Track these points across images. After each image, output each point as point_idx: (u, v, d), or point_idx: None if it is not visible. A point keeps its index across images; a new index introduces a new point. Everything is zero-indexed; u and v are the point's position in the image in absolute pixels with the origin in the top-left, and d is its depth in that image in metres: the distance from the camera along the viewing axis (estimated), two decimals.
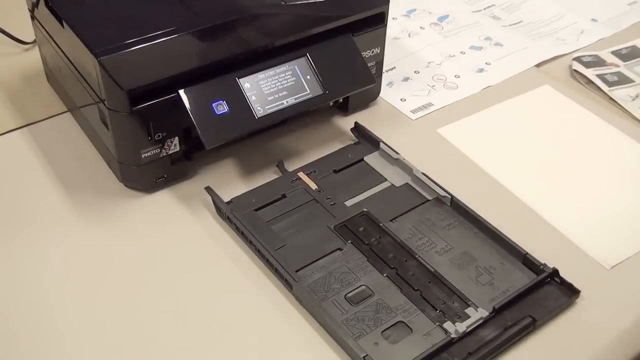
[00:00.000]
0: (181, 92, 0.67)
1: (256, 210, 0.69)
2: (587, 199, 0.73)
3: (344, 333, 0.58)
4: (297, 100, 0.72)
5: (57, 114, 0.83)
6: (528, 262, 0.64)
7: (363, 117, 0.82)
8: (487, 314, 0.59)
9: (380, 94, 0.86)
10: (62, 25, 0.70)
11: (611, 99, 0.87)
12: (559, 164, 0.77)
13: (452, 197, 0.69)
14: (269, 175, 0.75)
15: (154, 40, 0.67)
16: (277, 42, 0.71)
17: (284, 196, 0.71)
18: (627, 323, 0.61)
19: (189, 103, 0.67)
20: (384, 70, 0.84)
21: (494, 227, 0.66)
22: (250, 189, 0.72)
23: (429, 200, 0.71)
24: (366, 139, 0.78)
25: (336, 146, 0.78)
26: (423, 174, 0.72)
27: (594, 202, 0.73)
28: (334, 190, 0.72)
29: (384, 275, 0.63)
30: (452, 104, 0.86)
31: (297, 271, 0.63)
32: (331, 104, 0.81)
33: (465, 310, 0.60)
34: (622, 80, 0.90)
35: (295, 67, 0.72)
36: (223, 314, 0.61)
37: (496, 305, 0.59)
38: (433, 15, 1.03)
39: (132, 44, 0.66)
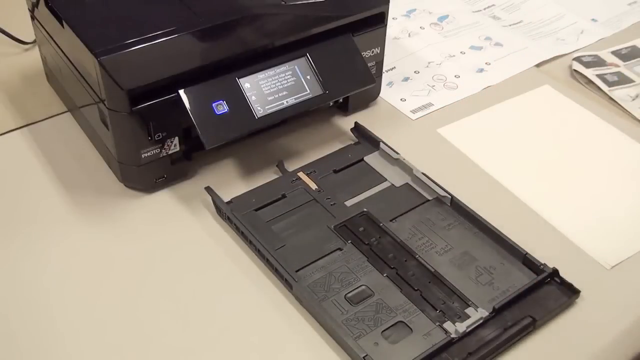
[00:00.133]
0: (181, 92, 0.67)
1: (256, 210, 0.69)
2: (587, 199, 0.73)
3: (344, 333, 0.58)
4: (297, 100, 0.72)
5: (57, 114, 0.83)
6: (528, 262, 0.64)
7: (363, 117, 0.82)
8: (487, 314, 0.59)
9: (380, 94, 0.86)
10: (62, 25, 0.70)
11: (611, 99, 0.87)
12: (559, 164, 0.77)
13: (452, 197, 0.69)
14: (269, 175, 0.75)
15: (154, 40, 0.67)
16: (277, 42, 0.71)
17: (284, 196, 0.71)
18: (627, 323, 0.61)
19: (189, 103, 0.67)
20: (384, 70, 0.84)
21: (494, 227, 0.66)
22: (250, 189, 0.72)
23: (429, 200, 0.71)
24: (366, 139, 0.78)
25: (336, 146, 0.78)
26: (423, 174, 0.72)
27: (594, 202, 0.73)
28: (334, 190, 0.72)
29: (384, 275, 0.63)
30: (452, 104, 0.86)
31: (297, 271, 0.63)
32: (331, 104, 0.81)
33: (465, 310, 0.60)
34: (622, 80, 0.90)
35: (295, 67, 0.72)
36: (223, 314, 0.61)
37: (496, 305, 0.60)
38: (433, 15, 1.03)
39: (132, 44, 0.66)
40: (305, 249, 0.65)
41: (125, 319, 0.61)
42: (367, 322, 0.59)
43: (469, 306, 0.60)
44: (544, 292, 0.62)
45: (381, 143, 0.76)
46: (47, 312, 0.61)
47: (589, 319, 0.61)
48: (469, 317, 0.59)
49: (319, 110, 0.82)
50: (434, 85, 0.89)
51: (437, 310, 0.60)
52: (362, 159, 0.76)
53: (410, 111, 0.85)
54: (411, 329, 0.59)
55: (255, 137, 0.78)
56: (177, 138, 0.70)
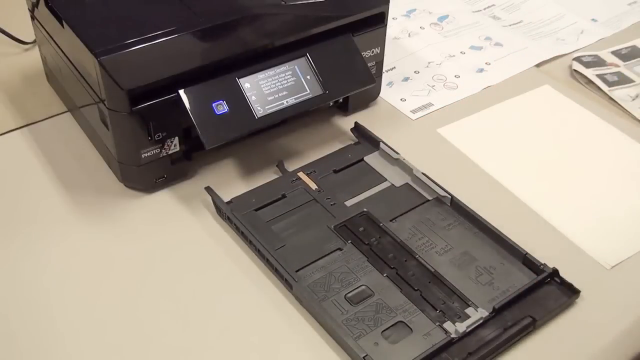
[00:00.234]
0: (181, 92, 0.67)
1: (256, 210, 0.69)
2: (587, 199, 0.73)
3: (344, 333, 0.58)
4: (297, 100, 0.72)
5: (57, 114, 0.83)
6: (528, 262, 0.64)
7: (363, 117, 0.82)
8: (487, 314, 0.59)
9: (380, 94, 0.86)
10: (62, 25, 0.70)
11: (611, 99, 0.87)
12: (559, 164, 0.77)
13: (452, 197, 0.69)
14: (269, 175, 0.75)
15: (154, 40, 0.67)
16: (277, 42, 0.71)
17: (284, 196, 0.71)
18: (627, 323, 0.61)
19: (189, 103, 0.67)
20: (384, 70, 0.84)
21: (494, 227, 0.66)
22: (250, 189, 0.72)
23: (429, 200, 0.71)
24: (366, 139, 0.78)
25: (336, 146, 0.78)
26: (423, 174, 0.72)
27: (594, 202, 0.73)
28: (334, 190, 0.72)
29: (384, 275, 0.63)
30: (452, 104, 0.86)
31: (297, 271, 0.63)
32: (331, 104, 0.81)
33: (465, 310, 0.60)
34: (622, 80, 0.90)
35: (295, 67, 0.72)
36: (223, 314, 0.61)
37: (496, 305, 0.59)
38: (433, 15, 1.03)
39: (132, 44, 0.66)
40: (305, 249, 0.65)
41: (125, 319, 0.61)
42: (367, 322, 0.59)
43: (469, 306, 0.60)
44: (544, 292, 0.62)
45: (381, 143, 0.76)
46: (47, 312, 0.61)
47: (589, 319, 0.61)
48: (469, 317, 0.59)
49: (319, 110, 0.82)
50: (434, 85, 0.89)
51: (437, 310, 0.60)
52: (362, 159, 0.76)
53: (410, 111, 0.85)
54: (411, 329, 0.59)
55: (255, 137, 0.78)
56: (177, 138, 0.70)
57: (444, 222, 0.68)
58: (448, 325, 0.58)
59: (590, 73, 0.90)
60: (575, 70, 0.91)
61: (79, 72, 0.71)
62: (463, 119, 0.84)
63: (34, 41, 0.91)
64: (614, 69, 0.92)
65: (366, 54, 0.79)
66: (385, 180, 0.73)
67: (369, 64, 0.78)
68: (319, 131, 0.81)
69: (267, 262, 0.64)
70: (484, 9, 1.06)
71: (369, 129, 0.78)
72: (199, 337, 0.59)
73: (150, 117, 0.67)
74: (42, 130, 0.80)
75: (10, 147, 0.78)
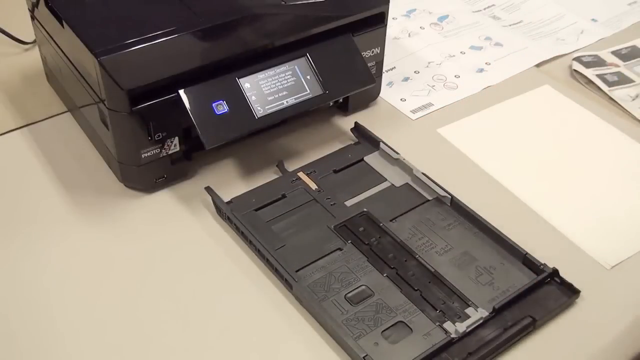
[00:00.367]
0: (181, 92, 0.67)
1: (256, 210, 0.69)
2: (587, 199, 0.73)
3: (344, 333, 0.58)
4: (297, 100, 0.72)
5: (57, 114, 0.83)
6: (528, 262, 0.64)
7: (363, 117, 0.82)
8: (487, 314, 0.59)
9: (380, 94, 0.86)
10: (62, 25, 0.70)
11: (611, 99, 0.87)
12: (559, 164, 0.77)
13: (452, 197, 0.69)
14: (269, 175, 0.75)
15: (154, 40, 0.67)
16: (277, 42, 0.71)
17: (284, 196, 0.71)
18: (627, 323, 0.61)
19: (189, 103, 0.67)
20: (384, 70, 0.84)
21: (494, 227, 0.66)
22: (250, 189, 0.72)
23: (429, 200, 0.71)
24: (366, 139, 0.78)
25: (336, 146, 0.78)
26: (423, 174, 0.72)
27: (594, 202, 0.73)
28: (334, 190, 0.72)
29: (384, 275, 0.63)
30: (452, 104, 0.86)
31: (297, 271, 0.63)
32: (331, 104, 0.81)
33: (465, 310, 0.60)
34: (622, 80, 0.90)
35: (295, 67, 0.72)
36: (223, 314, 0.61)
37: (496, 305, 0.59)
38: (433, 15, 1.03)
39: (132, 44, 0.66)
40: (305, 249, 0.65)
41: (125, 319, 0.61)
42: (367, 322, 0.59)
43: (469, 306, 0.60)
44: (544, 292, 0.62)
45: (381, 143, 0.76)
46: (47, 312, 0.61)
47: (589, 319, 0.61)
48: (469, 317, 0.59)
49: (319, 110, 0.82)
50: (434, 85, 0.89)
51: (437, 310, 0.60)
52: (362, 159, 0.76)
53: (410, 111, 0.85)
54: (411, 329, 0.59)
55: (255, 137, 0.78)
56: (177, 138, 0.70)
57: (444, 222, 0.68)
58: (448, 325, 0.58)
59: (590, 73, 0.90)
60: (575, 70, 0.91)
61: (79, 72, 0.71)
62: (463, 119, 0.84)
63: (34, 41, 0.91)
64: (614, 69, 0.92)
65: (366, 54, 0.79)
66: (385, 180, 0.73)
67: (369, 64, 0.78)
68: (319, 131, 0.81)
69: (267, 262, 0.64)
70: (484, 9, 1.06)
71: (369, 129, 0.78)
72: (199, 337, 0.59)
73: (150, 117, 0.67)
74: (42, 130, 0.80)
75: (10, 147, 0.78)
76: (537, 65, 0.93)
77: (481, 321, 0.59)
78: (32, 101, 0.85)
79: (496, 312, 0.59)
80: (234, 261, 0.66)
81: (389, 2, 0.78)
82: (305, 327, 0.60)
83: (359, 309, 0.60)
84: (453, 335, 0.58)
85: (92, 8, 0.72)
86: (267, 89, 0.71)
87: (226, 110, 0.68)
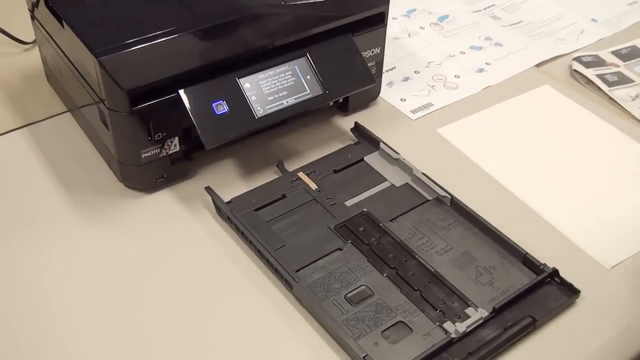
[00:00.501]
0: (181, 92, 0.67)
1: (256, 210, 0.69)
2: (587, 199, 0.73)
3: (344, 333, 0.58)
4: (297, 100, 0.72)
5: (57, 114, 0.83)
6: (528, 262, 0.64)
7: (363, 117, 0.82)
8: (487, 314, 0.59)
9: (380, 94, 0.86)
10: (62, 25, 0.70)
11: (611, 99, 0.87)
12: (559, 164, 0.77)
13: (452, 197, 0.69)
14: (269, 175, 0.75)
15: (154, 40, 0.67)
16: (277, 42, 0.71)
17: (284, 196, 0.71)
18: (627, 323, 0.61)
19: (189, 103, 0.67)
20: (384, 70, 0.84)
21: (494, 227, 0.66)
22: (250, 189, 0.72)
23: (429, 200, 0.71)
24: (366, 139, 0.78)
25: (336, 146, 0.78)
26: (423, 174, 0.72)
27: (594, 202, 0.73)
28: (334, 190, 0.72)
29: (384, 275, 0.63)
30: (452, 104, 0.86)
31: (297, 271, 0.63)
32: (331, 104, 0.81)
33: (465, 310, 0.60)
34: (622, 80, 0.90)
35: (295, 67, 0.72)
36: (223, 314, 0.61)
37: (496, 305, 0.59)
38: (433, 15, 1.03)
39: (132, 44, 0.66)
40: (305, 249, 0.65)
41: (125, 319, 0.61)
42: (367, 322, 0.59)
43: (469, 306, 0.60)
44: (544, 292, 0.62)
45: (381, 143, 0.76)
46: (47, 312, 0.61)
47: (589, 319, 0.61)
48: (469, 317, 0.59)
49: (319, 110, 0.82)
50: (434, 85, 0.89)
51: (437, 310, 0.60)
52: (362, 159, 0.76)
53: (410, 111, 0.85)
54: (411, 329, 0.59)
55: (255, 137, 0.78)
56: (177, 138, 0.70)
57: (444, 222, 0.68)
58: (448, 325, 0.58)
59: (590, 73, 0.90)
60: (575, 70, 0.91)
61: (79, 72, 0.71)
62: (463, 119, 0.84)
63: (34, 41, 0.91)
64: (614, 69, 0.92)
65: (366, 54, 0.79)
66: (385, 180, 0.73)
67: (369, 64, 0.78)
68: (319, 131, 0.81)
69: (267, 262, 0.64)
70: (484, 9, 1.06)
71: (369, 129, 0.78)
72: (199, 337, 0.59)
73: (150, 117, 0.67)
74: (42, 130, 0.80)
75: (10, 147, 0.78)
76: (537, 65, 0.93)
77: (481, 321, 0.59)
78: (32, 101, 0.85)
79: (496, 312, 0.59)
80: (234, 261, 0.66)
81: (389, 2, 0.78)
82: (305, 327, 0.60)
83: (359, 309, 0.60)
84: (453, 335, 0.58)
85: (92, 8, 0.72)
86: (267, 89, 0.71)
87: (226, 110, 0.68)
